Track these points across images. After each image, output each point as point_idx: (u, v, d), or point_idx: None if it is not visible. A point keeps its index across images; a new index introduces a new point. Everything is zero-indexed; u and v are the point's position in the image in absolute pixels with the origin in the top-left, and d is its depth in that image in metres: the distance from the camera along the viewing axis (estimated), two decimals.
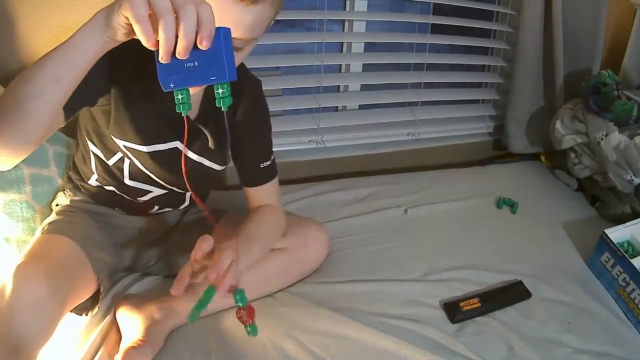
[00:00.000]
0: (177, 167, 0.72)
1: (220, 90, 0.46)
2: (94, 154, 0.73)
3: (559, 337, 0.78)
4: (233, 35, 0.52)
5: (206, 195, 0.89)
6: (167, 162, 0.71)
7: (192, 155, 0.73)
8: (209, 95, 0.69)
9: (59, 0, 0.84)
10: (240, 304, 0.55)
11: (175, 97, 0.46)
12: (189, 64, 0.44)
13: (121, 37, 0.44)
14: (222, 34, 0.44)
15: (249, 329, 0.56)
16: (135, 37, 0.43)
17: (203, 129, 0.71)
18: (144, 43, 0.42)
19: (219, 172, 0.78)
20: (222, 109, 0.47)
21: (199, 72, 0.44)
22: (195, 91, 0.66)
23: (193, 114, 0.70)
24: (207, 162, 0.75)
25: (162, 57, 0.42)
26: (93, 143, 0.72)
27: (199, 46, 0.42)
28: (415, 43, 1.21)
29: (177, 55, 0.42)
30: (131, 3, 0.40)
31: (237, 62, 0.56)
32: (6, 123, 0.46)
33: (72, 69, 0.45)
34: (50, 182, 0.82)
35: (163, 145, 0.69)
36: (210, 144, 0.72)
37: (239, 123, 0.73)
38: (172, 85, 0.45)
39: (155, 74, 0.44)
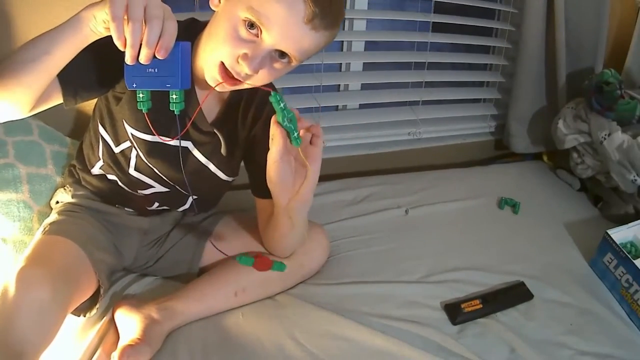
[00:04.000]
0: (181, 165, 0.71)
1: (174, 96, 0.54)
2: (103, 139, 0.73)
3: (561, 338, 0.78)
4: (286, 49, 0.57)
5: (211, 204, 0.86)
6: (172, 158, 0.71)
7: (198, 156, 0.73)
8: (231, 101, 0.70)
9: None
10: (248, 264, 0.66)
11: (137, 95, 0.54)
12: (150, 70, 0.51)
13: (102, 30, 0.50)
14: (181, 48, 0.50)
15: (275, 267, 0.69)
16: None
17: (217, 133, 0.71)
18: (115, 41, 0.47)
19: (224, 183, 0.78)
20: (175, 112, 0.54)
21: (158, 79, 0.51)
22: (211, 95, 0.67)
23: (210, 116, 0.70)
24: (212, 167, 0.75)
25: (128, 59, 0.48)
26: (104, 127, 0.72)
27: (156, 55, 0.48)
28: (416, 42, 1.20)
29: (139, 60, 0.49)
30: (112, 3, 0.46)
31: (270, 78, 0.62)
32: (2, 81, 0.53)
33: (60, 47, 0.52)
34: (48, 180, 0.81)
35: (171, 140, 0.69)
36: (223, 150, 0.73)
37: (258, 135, 0.73)
38: (134, 85, 0.52)
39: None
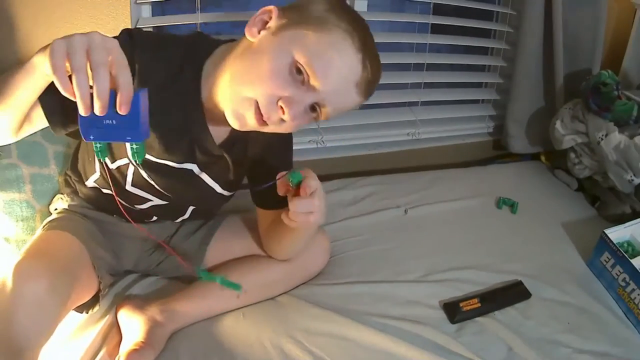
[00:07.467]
0: (184, 184, 0.70)
1: (134, 146, 0.50)
2: None
3: (558, 337, 0.78)
4: (329, 104, 0.55)
5: (212, 213, 0.85)
6: (175, 178, 0.68)
7: (205, 179, 0.71)
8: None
9: (59, 1, 0.84)
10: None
11: (94, 145, 0.50)
12: (107, 121, 0.45)
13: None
14: (140, 97, 0.45)
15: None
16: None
17: (226, 156, 0.68)
18: (62, 93, 0.43)
19: (227, 197, 0.77)
20: (137, 162, 0.51)
21: (117, 131, 0.46)
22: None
23: (219, 139, 0.67)
24: (219, 189, 0.73)
25: (81, 111, 0.43)
26: None
27: (118, 111, 0.44)
28: (415, 43, 1.20)
29: (95, 113, 0.43)
30: (52, 51, 0.41)
31: (294, 130, 0.59)
32: None
33: (21, 90, 0.50)
34: (51, 180, 0.82)
35: (176, 164, 0.67)
36: (231, 175, 0.71)
37: (267, 150, 0.71)
38: (92, 137, 0.47)
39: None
